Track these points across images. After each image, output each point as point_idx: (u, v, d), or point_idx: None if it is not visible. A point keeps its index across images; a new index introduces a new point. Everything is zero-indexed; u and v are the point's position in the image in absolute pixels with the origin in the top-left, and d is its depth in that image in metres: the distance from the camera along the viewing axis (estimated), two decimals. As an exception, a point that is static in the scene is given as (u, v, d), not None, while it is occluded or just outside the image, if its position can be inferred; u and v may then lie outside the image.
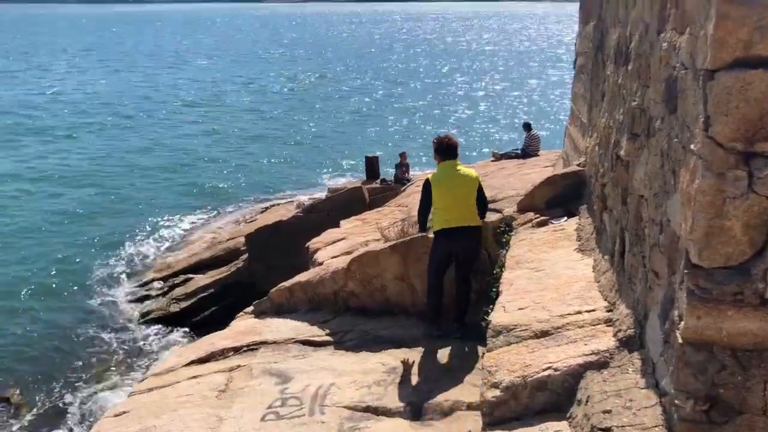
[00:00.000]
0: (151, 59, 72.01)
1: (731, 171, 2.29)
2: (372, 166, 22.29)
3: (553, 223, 6.49)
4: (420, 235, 7.21)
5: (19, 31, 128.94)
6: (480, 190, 6.52)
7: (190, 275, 18.96)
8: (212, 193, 25.68)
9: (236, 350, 7.45)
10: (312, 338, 7.30)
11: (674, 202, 2.85)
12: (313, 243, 12.35)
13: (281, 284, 8.63)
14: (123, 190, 25.95)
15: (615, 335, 3.65)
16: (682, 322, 2.49)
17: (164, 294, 18.25)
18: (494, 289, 5.78)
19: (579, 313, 4.15)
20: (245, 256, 18.35)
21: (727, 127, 2.25)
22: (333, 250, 11.25)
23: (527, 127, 17.62)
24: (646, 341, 3.33)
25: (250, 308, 9.26)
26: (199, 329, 15.42)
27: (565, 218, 6.49)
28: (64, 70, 62.26)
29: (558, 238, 6.00)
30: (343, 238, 12.22)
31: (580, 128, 7.77)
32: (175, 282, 18.84)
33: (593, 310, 4.13)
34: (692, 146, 2.45)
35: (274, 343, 7.38)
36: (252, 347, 7.42)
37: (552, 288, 4.77)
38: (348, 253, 10.59)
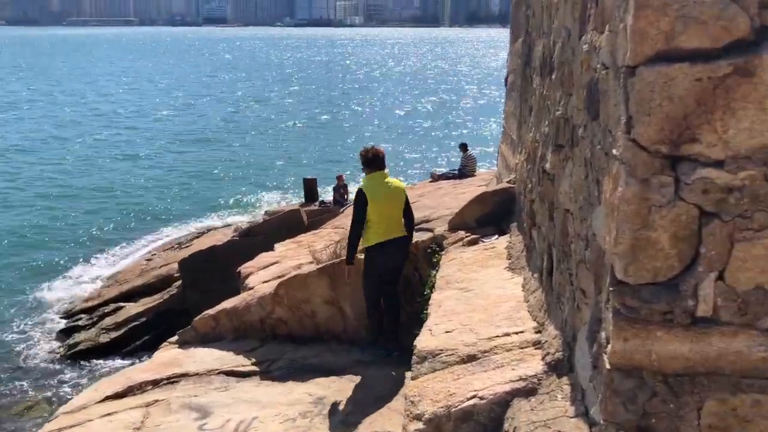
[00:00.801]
0: (87, 83, 70.01)
1: (656, 176, 2.08)
2: (311, 188, 22.01)
3: (483, 242, 6.29)
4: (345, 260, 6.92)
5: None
6: (406, 202, 6.38)
7: (122, 304, 18.19)
8: (146, 218, 24.81)
9: (155, 383, 6.96)
10: (236, 368, 6.88)
11: (598, 214, 2.64)
12: (245, 267, 11.89)
13: (205, 312, 8.18)
14: (52, 215, 24.83)
15: (543, 359, 3.41)
16: (609, 346, 2.26)
17: (93, 324, 17.40)
18: (425, 311, 5.52)
19: (507, 335, 3.91)
20: (179, 282, 17.74)
21: (650, 128, 2.04)
22: (265, 274, 10.83)
23: (463, 147, 17.65)
24: (575, 365, 3.10)
25: (175, 338, 8.77)
26: (131, 358, 14.74)
27: (496, 236, 6.31)
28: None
29: (488, 256, 5.80)
30: (276, 262, 11.81)
31: (511, 145, 7.66)
32: (105, 311, 18.02)
33: (522, 332, 3.90)
34: (614, 151, 2.24)
35: (196, 375, 6.92)
36: (172, 380, 6.94)
37: (481, 309, 4.54)
38: (280, 277, 10.18)
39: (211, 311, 8.08)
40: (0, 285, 19.02)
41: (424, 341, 4.12)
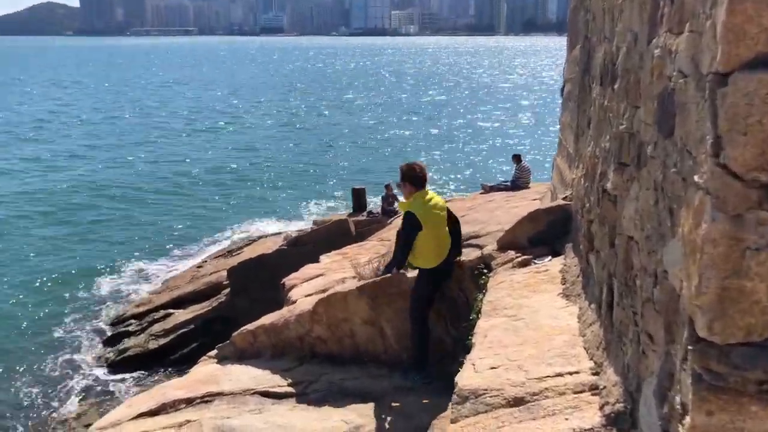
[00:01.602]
0: (136, 89, 71.77)
1: (752, 212, 1.66)
2: (359, 197, 21.79)
3: (535, 263, 5.84)
4: (389, 275, 6.57)
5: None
6: (449, 214, 6.31)
7: (171, 311, 18.33)
8: (198, 226, 25.03)
9: (189, 402, 6.73)
10: (272, 389, 6.59)
11: (672, 249, 2.21)
12: (290, 279, 11.68)
13: (244, 327, 7.94)
14: (107, 221, 25.28)
15: (601, 408, 2.98)
16: (688, 418, 1.83)
17: (143, 330, 17.58)
18: (469, 339, 5.11)
19: (560, 375, 3.48)
20: (228, 290, 17.77)
21: (746, 151, 1.62)
22: (308, 287, 10.58)
23: (517, 158, 17.09)
24: (638, 420, 2.66)
25: (214, 352, 8.56)
26: (179, 366, 14.73)
27: (549, 258, 5.85)
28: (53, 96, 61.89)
29: (540, 280, 5.35)
30: (320, 275, 11.56)
31: (567, 159, 7.18)
32: (155, 317, 18.22)
33: (577, 372, 3.47)
34: (696, 178, 1.82)
35: (231, 394, 6.66)
36: (206, 399, 6.70)
37: (531, 341, 4.11)
38: (323, 291, 9.91)
39: (250, 326, 7.83)
40: (55, 286, 19.36)
41: (466, 378, 3.72)
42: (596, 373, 3.40)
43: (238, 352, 7.93)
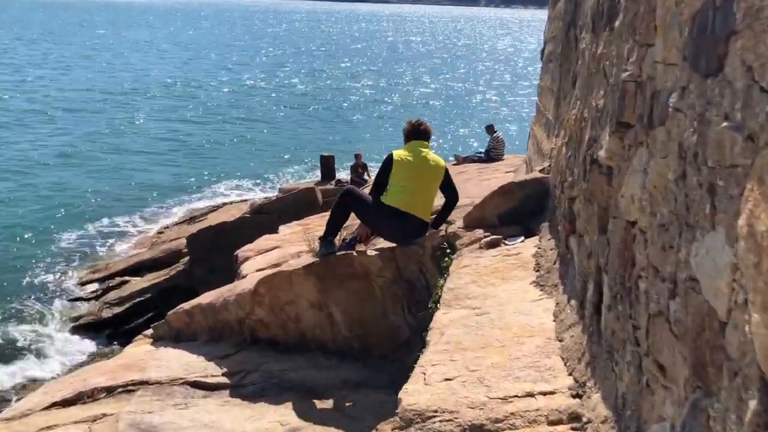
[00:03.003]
0: (116, 49, 69.21)
1: None
2: (328, 165, 20.93)
3: (506, 244, 5.06)
4: (344, 253, 5.77)
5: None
6: (447, 177, 5.91)
7: (127, 278, 17.46)
8: (162, 190, 23.88)
9: (109, 391, 5.89)
10: (204, 379, 5.77)
11: (712, 249, 1.43)
12: (243, 251, 10.84)
13: (180, 306, 7.10)
14: (67, 181, 24.05)
15: (585, 453, 2.21)
16: None
17: (97, 298, 16.72)
18: (425, 333, 4.33)
19: (531, 395, 2.71)
20: (187, 258, 16.93)
21: None
22: (261, 261, 9.75)
23: (490, 129, 16.34)
24: (639, 480, 1.90)
25: (150, 331, 7.73)
26: (134, 336, 13.94)
27: (522, 238, 5.07)
28: (32, 59, 59.40)
29: (511, 265, 4.57)
30: (276, 247, 10.73)
31: (545, 127, 6.39)
32: (111, 285, 17.31)
33: (552, 393, 2.70)
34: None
35: (157, 383, 5.83)
36: (129, 388, 5.86)
37: (496, 344, 3.34)
38: (276, 265, 9.10)
39: (185, 305, 6.99)
40: (8, 246, 18.33)
41: (413, 393, 2.93)
42: (577, 395, 2.64)
43: (173, 332, 7.11)
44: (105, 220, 20.92)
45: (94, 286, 17.08)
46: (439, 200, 6.16)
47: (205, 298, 6.91)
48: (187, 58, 63.71)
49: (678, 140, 1.72)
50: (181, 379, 5.82)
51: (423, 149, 5.86)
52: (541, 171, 5.52)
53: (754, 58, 1.19)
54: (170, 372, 5.98)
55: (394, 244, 5.82)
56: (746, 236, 1.15)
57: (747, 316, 1.17)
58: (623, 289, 2.31)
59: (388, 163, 5.77)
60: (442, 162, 6.00)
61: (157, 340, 7.29)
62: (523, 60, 69.02)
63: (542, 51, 8.27)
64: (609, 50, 2.84)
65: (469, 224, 5.49)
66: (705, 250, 1.49)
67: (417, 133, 5.93)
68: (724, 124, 1.33)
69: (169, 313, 7.19)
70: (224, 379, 5.74)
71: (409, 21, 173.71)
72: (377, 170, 6.00)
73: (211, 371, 5.90)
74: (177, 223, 21.18)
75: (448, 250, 5.28)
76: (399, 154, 5.82)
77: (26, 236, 19.20)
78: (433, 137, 6.22)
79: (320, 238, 6.07)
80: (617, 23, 2.67)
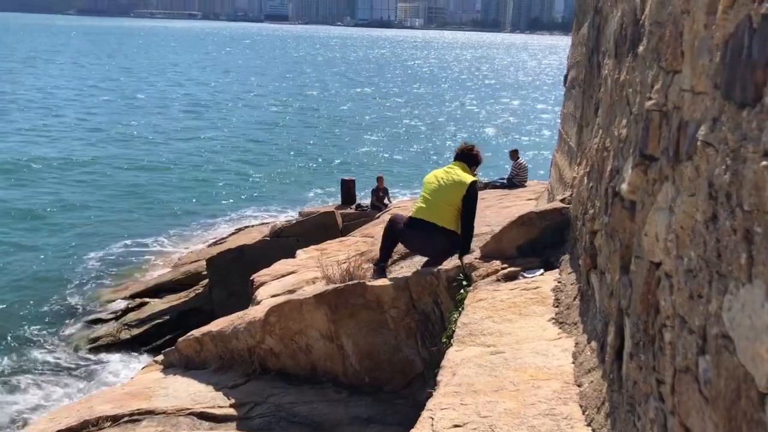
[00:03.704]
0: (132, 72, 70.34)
1: None
2: (348, 189, 20.80)
3: (524, 277, 4.85)
4: (356, 282, 5.60)
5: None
6: (467, 200, 5.84)
7: (146, 299, 17.50)
8: (184, 213, 24.03)
9: (115, 420, 5.76)
10: (211, 410, 5.62)
11: (749, 304, 1.23)
12: (259, 276, 10.74)
13: (191, 333, 6.97)
14: (91, 202, 24.29)
15: None
16: None
17: (116, 318, 16.75)
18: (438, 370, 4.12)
19: (545, 448, 2.50)
20: (206, 281, 16.95)
21: None
22: (277, 286, 9.62)
23: (514, 154, 16.12)
24: None
25: (161, 357, 7.61)
26: (152, 356, 13.90)
27: (541, 271, 4.86)
28: (52, 73, 60.61)
29: (529, 300, 4.36)
30: (293, 272, 10.60)
31: (568, 154, 6.20)
32: (130, 306, 17.37)
33: (569, 446, 2.49)
34: None
35: (163, 413, 5.69)
36: (135, 417, 5.72)
37: (510, 387, 3.13)
38: (291, 291, 8.96)
39: (196, 332, 6.86)
40: (32, 267, 18.44)
41: (418, 441, 2.74)
42: (596, 450, 2.42)
43: (183, 359, 6.98)
44: (129, 241, 21.04)
45: (114, 307, 17.15)
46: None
47: (216, 325, 6.77)
48: (214, 81, 64.53)
49: (708, 178, 1.53)
50: (187, 409, 5.68)
51: (454, 167, 6.05)
52: (562, 201, 5.31)
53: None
54: (177, 401, 5.83)
55: (410, 272, 5.67)
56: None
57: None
58: (646, 336, 2.11)
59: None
60: (467, 179, 5.94)
61: (167, 367, 7.16)
62: (548, 85, 68.78)
63: (565, 77, 8.10)
64: (632, 77, 2.66)
65: (487, 255, 5.28)
66: (740, 304, 1.29)
67: (460, 155, 6.17)
68: (764, 162, 1.15)
69: (180, 339, 7.08)
70: (232, 411, 5.57)
71: (434, 47, 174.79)
72: (408, 208, 6.45)
73: (219, 402, 5.74)
74: (199, 245, 21.26)
75: (464, 282, 5.08)
76: (432, 172, 6.17)
77: (48, 255, 19.36)
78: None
79: (375, 263, 6.51)
80: (641, 48, 2.50)
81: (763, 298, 1.16)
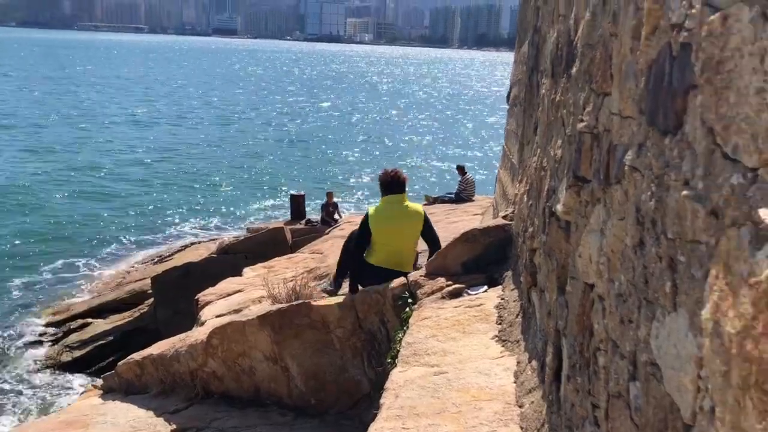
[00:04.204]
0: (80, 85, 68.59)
1: None
2: (298, 205, 20.64)
3: (469, 293, 4.85)
4: (301, 302, 5.51)
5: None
6: (426, 227, 5.85)
7: (89, 320, 16.97)
8: (131, 230, 23.38)
9: (49, 451, 5.51)
10: (151, 438, 5.43)
11: (671, 330, 1.23)
12: (204, 295, 10.52)
13: (131, 356, 6.75)
14: (31, 217, 23.45)
15: None
16: None
17: (57, 341, 16.17)
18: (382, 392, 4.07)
19: (486, 472, 2.47)
20: (152, 300, 16.57)
21: None
22: (222, 305, 9.43)
23: (461, 169, 16.31)
24: None
25: (100, 382, 7.35)
26: (95, 378, 13.44)
27: (485, 287, 4.87)
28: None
29: (473, 317, 4.36)
30: (239, 290, 10.42)
31: (510, 171, 6.26)
32: (71, 327, 16.81)
33: (509, 470, 2.46)
34: (763, 213, 0.82)
35: (100, 442, 5.48)
36: (69, 448, 5.50)
37: (453, 410, 3.10)
38: (237, 311, 8.79)
39: (136, 356, 6.65)
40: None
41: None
42: (535, 473, 2.40)
43: (123, 384, 6.75)
44: (71, 261, 20.38)
45: (54, 329, 16.58)
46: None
47: (157, 348, 6.58)
48: (160, 95, 63.46)
49: (635, 203, 1.53)
50: (126, 437, 5.47)
51: (400, 202, 5.80)
52: (504, 217, 5.35)
53: (716, 119, 1.00)
54: (115, 429, 5.63)
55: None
56: (712, 335, 0.95)
57: (714, 431, 0.96)
58: (582, 359, 2.11)
59: (365, 223, 5.76)
60: (420, 210, 5.94)
61: (107, 392, 6.93)
62: (493, 101, 69.94)
63: (508, 94, 8.21)
64: (567, 98, 2.68)
65: (432, 272, 5.27)
66: (666, 332, 1.28)
67: (392, 185, 5.82)
68: (684, 192, 1.14)
69: (119, 363, 6.85)
70: (172, 438, 5.40)
71: (384, 61, 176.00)
72: (358, 223, 6.01)
73: (160, 428, 5.56)
74: (144, 263, 20.76)
75: (410, 300, 5.06)
76: (376, 211, 5.82)
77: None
78: (411, 176, 6.19)
79: (331, 281, 6.43)
80: (574, 69, 2.52)
81: (687, 328, 1.15)
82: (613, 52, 1.91)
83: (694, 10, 1.12)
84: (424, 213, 5.93)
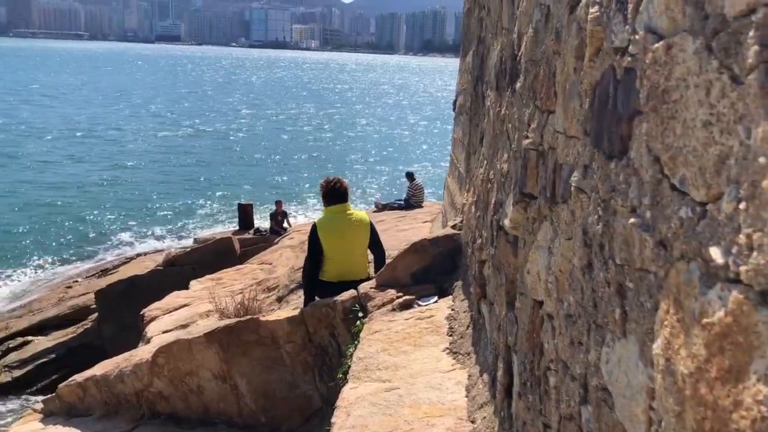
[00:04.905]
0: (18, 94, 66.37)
1: None
2: (246, 214, 20.39)
3: (419, 305, 4.83)
4: (249, 318, 5.39)
5: None
6: (373, 235, 5.79)
7: (30, 338, 16.40)
8: (72, 241, 22.64)
9: (-15, 482, 5.25)
10: (94, 463, 5.24)
11: (622, 357, 1.21)
12: (150, 310, 10.28)
13: (73, 378, 6.51)
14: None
15: None
16: None
17: (-5, 360, 15.53)
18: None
19: (439, 493, 2.43)
20: (96, 315, 16.11)
21: None
22: (169, 321, 9.22)
23: (410, 176, 16.38)
24: None
25: (40, 406, 7.06)
26: (36, 397, 12.94)
27: (435, 298, 4.85)
28: None
29: (423, 330, 4.33)
30: (186, 305, 10.20)
31: (458, 180, 6.27)
32: (10, 345, 16.21)
33: (463, 489, 2.43)
34: (714, 255, 0.80)
35: (40, 470, 5.25)
36: (8, 477, 5.24)
37: (405, 427, 3.05)
38: (185, 326, 8.59)
39: (78, 377, 6.42)
40: None
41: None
42: (489, 492, 2.38)
43: (65, 407, 6.50)
44: (4, 276, 19.65)
45: (-9, 349, 15.96)
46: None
47: (101, 368, 6.36)
48: (105, 103, 61.89)
49: (582, 225, 1.52)
50: (67, 464, 5.26)
51: (344, 212, 5.72)
52: (453, 227, 5.35)
53: (662, 149, 0.98)
54: (56, 456, 5.40)
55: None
56: (664, 372, 0.93)
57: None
58: (533, 377, 2.09)
59: (313, 235, 5.66)
60: (366, 219, 5.88)
61: (48, 416, 6.66)
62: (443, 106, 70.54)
63: (454, 102, 8.25)
64: (512, 112, 2.68)
65: (382, 283, 5.23)
66: (617, 358, 1.27)
67: (335, 195, 5.74)
68: (632, 219, 1.12)
69: (60, 386, 6.60)
70: (117, 462, 5.21)
71: (331, 67, 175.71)
72: (307, 232, 5.91)
73: (103, 453, 5.36)
74: (87, 277, 20.16)
75: (360, 313, 5.00)
76: (322, 223, 5.74)
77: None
78: (352, 188, 6.06)
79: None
80: (518, 85, 2.51)
81: (637, 356, 1.13)
82: (556, 70, 1.90)
83: (637, 36, 1.10)
84: (370, 221, 5.86)
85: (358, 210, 5.93)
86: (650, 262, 1.05)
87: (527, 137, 2.17)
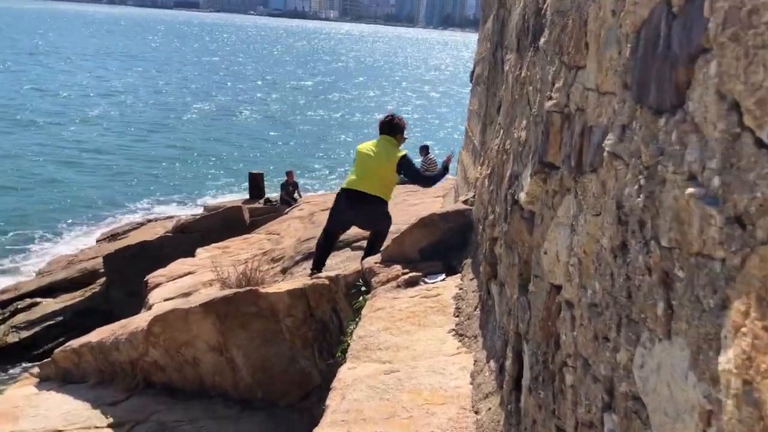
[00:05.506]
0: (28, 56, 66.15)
1: None
2: (256, 183, 20.19)
3: (425, 282, 4.58)
4: (248, 289, 5.17)
5: None
6: (406, 166, 5.95)
7: (38, 299, 16.36)
8: (83, 206, 22.58)
9: (-27, 447, 5.12)
10: (85, 431, 5.08)
11: (663, 363, 0.95)
12: (154, 277, 10.11)
13: (69, 343, 6.36)
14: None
15: None
16: None
17: (3, 321, 15.54)
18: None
19: (436, 491, 2.20)
20: (104, 279, 16.07)
21: None
22: (172, 288, 9.05)
23: (424, 150, 16.03)
24: None
25: (36, 370, 6.93)
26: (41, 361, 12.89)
27: (443, 276, 4.60)
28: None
29: (429, 309, 4.09)
30: (190, 272, 10.03)
31: (472, 153, 5.99)
32: (19, 306, 16.18)
33: (462, 489, 2.20)
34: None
35: (30, 437, 5.10)
36: (-3, 443, 5.11)
37: (403, 415, 2.83)
38: (186, 294, 8.41)
39: (74, 343, 6.26)
40: None
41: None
42: (491, 493, 2.15)
43: (61, 372, 6.35)
44: (16, 238, 19.63)
45: (0, 309, 15.98)
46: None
47: (97, 335, 6.19)
48: (118, 70, 61.58)
49: (616, 197, 1.25)
50: (57, 431, 5.11)
51: (383, 140, 5.98)
52: (464, 202, 5.08)
53: (746, 92, 0.72)
54: (47, 422, 5.26)
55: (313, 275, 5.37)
56: (737, 397, 0.67)
57: None
58: (546, 371, 1.84)
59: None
60: (394, 154, 5.93)
61: (44, 381, 6.52)
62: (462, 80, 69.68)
63: (472, 73, 7.92)
64: (533, 73, 2.39)
65: (388, 258, 4.98)
66: (656, 364, 1.01)
67: (381, 126, 6.09)
68: (690, 190, 0.86)
69: (57, 350, 6.46)
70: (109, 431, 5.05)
71: (349, 39, 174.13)
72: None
73: (95, 421, 5.21)
74: (97, 241, 20.11)
75: (363, 288, 4.76)
76: (364, 144, 6.13)
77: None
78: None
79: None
80: (542, 41, 2.22)
81: (687, 366, 0.88)
82: (589, 17, 1.62)
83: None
84: (402, 159, 5.91)
85: (400, 149, 6.00)
86: (716, 245, 0.79)
87: (550, 98, 1.89)
